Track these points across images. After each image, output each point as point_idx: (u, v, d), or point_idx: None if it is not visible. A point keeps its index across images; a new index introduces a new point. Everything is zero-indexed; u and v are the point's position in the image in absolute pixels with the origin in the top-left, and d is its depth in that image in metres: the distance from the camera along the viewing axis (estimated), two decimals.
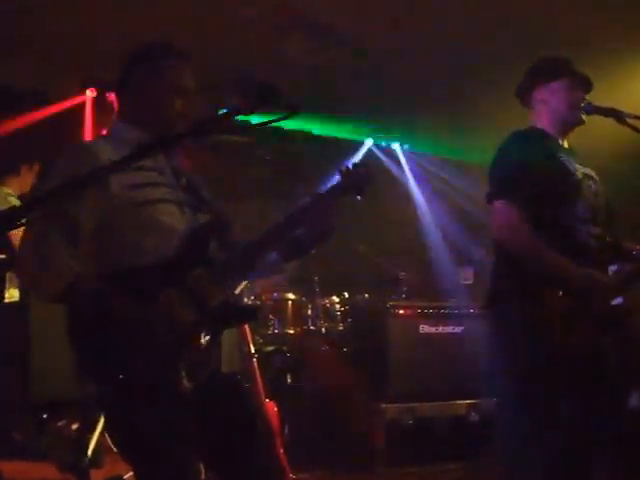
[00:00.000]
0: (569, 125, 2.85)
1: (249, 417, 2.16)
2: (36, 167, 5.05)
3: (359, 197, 2.26)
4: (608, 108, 2.73)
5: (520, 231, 2.60)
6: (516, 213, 2.59)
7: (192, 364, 1.94)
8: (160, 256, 1.98)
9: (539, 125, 2.84)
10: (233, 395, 2.14)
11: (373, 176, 2.29)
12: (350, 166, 2.28)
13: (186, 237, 2.02)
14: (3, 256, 4.37)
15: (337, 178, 2.27)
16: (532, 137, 2.80)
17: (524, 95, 2.92)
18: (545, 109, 2.82)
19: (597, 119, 2.79)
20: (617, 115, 2.69)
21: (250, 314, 2.33)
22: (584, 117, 2.80)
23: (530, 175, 2.63)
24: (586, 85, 2.83)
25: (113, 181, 1.95)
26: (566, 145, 2.87)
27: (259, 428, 2.21)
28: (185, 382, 1.92)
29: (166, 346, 1.89)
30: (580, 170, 2.76)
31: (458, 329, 4.64)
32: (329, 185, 2.26)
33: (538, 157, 2.68)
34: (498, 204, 2.65)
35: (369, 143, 7.24)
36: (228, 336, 2.16)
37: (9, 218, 1.33)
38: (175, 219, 2.04)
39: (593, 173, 2.84)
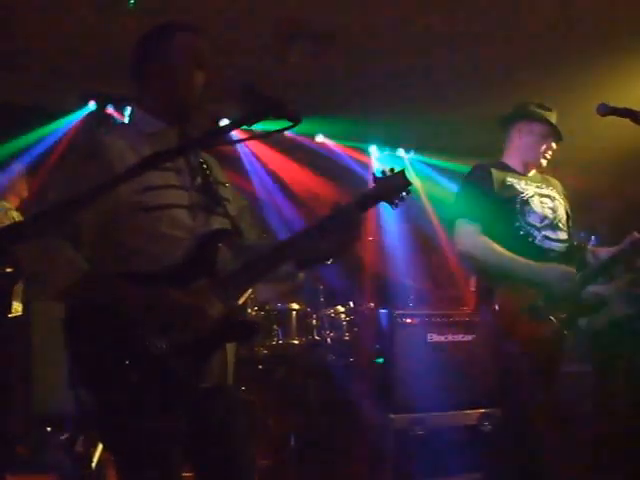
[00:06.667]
0: (531, 165, 3.37)
1: (237, 433, 2.09)
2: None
3: (393, 207, 2.17)
4: (624, 108, 2.69)
5: (478, 241, 3.13)
6: (473, 227, 3.15)
7: (187, 377, 1.87)
8: (162, 265, 1.91)
9: (506, 160, 3.38)
10: (232, 411, 2.07)
11: (411, 184, 2.19)
12: (387, 173, 2.18)
13: (191, 248, 1.95)
14: (10, 269, 4.35)
15: (371, 185, 2.16)
16: (489, 168, 3.28)
17: (505, 124, 3.41)
18: (518, 144, 3.35)
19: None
20: (634, 115, 2.65)
21: (251, 331, 2.14)
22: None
23: (483, 197, 3.19)
24: (558, 137, 3.34)
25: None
26: (531, 174, 3.39)
27: (244, 444, 2.11)
28: (177, 395, 1.86)
29: (158, 360, 1.83)
30: (532, 190, 3.26)
31: (467, 337, 4.58)
32: (361, 194, 2.15)
33: (490, 183, 3.22)
34: (459, 222, 3.20)
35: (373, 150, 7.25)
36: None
37: (16, 232, 1.30)
38: (182, 227, 1.97)
39: (554, 193, 3.34)
